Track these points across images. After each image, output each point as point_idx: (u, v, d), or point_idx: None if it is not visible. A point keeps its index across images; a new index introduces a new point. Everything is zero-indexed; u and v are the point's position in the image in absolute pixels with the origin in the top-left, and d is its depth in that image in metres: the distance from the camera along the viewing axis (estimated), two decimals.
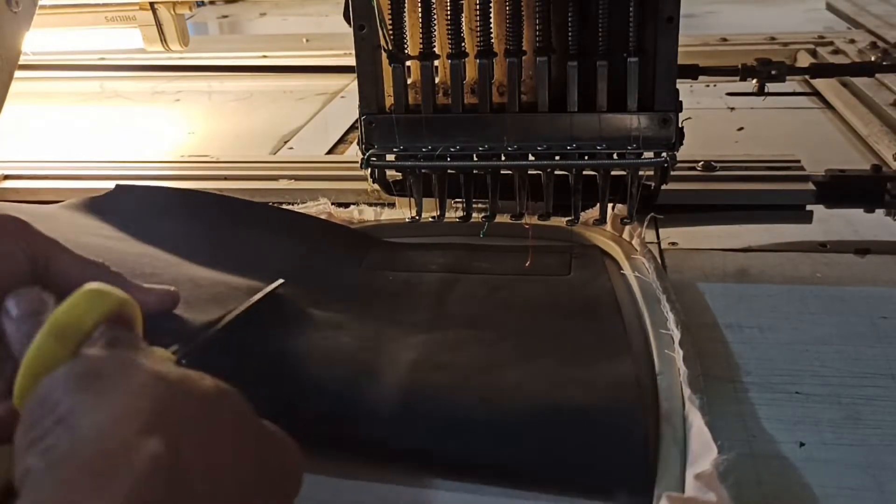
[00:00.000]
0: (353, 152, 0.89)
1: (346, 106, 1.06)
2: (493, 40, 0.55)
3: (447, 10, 0.55)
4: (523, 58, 0.55)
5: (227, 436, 0.26)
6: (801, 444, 0.43)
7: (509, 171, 0.58)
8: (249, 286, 0.51)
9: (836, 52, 1.14)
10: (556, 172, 0.58)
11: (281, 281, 0.51)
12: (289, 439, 0.29)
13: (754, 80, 0.65)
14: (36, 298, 0.31)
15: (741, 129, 0.92)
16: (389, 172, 0.60)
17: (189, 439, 0.24)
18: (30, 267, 0.34)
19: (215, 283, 0.51)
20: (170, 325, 0.40)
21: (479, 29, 0.55)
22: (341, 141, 0.95)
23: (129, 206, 0.64)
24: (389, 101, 0.58)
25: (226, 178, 0.80)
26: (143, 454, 0.23)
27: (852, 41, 1.19)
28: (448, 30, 0.55)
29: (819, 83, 1.03)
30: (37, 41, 0.91)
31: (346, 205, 0.70)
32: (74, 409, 0.24)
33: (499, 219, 0.60)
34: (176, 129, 1.04)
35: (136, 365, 0.26)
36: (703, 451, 0.39)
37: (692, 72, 0.60)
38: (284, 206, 0.69)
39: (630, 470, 0.39)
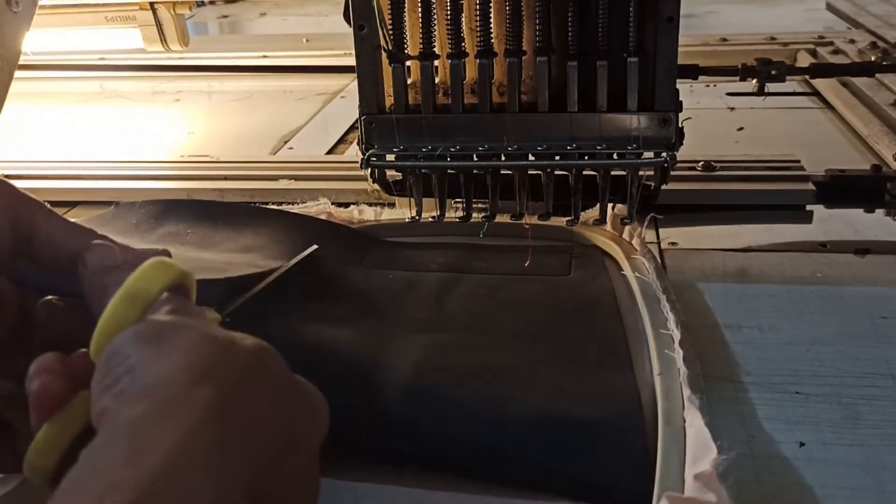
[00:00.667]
0: (353, 152, 0.89)
1: (346, 106, 1.06)
2: (493, 40, 0.55)
3: (447, 10, 0.55)
4: (523, 58, 0.55)
5: (266, 389, 0.30)
6: (801, 444, 0.43)
7: (509, 171, 0.58)
8: (252, 264, 0.51)
9: (836, 52, 1.14)
10: (556, 172, 0.58)
11: (315, 247, 0.52)
12: (317, 392, 0.32)
13: (754, 80, 0.65)
14: (108, 253, 0.35)
15: (741, 129, 0.92)
16: (389, 172, 0.60)
17: (235, 391, 0.28)
18: (11, 229, 0.34)
19: (219, 262, 0.52)
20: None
21: (479, 29, 0.55)
22: (341, 141, 0.95)
23: (127, 218, 0.65)
24: (389, 101, 0.58)
25: (226, 178, 0.80)
26: (198, 399, 0.27)
27: (852, 41, 1.19)
28: (448, 30, 0.55)
29: (819, 83, 1.03)
30: (37, 41, 0.91)
31: (346, 205, 0.70)
32: (141, 361, 0.29)
33: (499, 219, 0.60)
34: (176, 129, 1.04)
35: (189, 326, 0.30)
36: (702, 452, 0.39)
37: (692, 72, 0.60)
38: (284, 207, 0.69)
39: (629, 483, 0.39)
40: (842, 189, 0.72)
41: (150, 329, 0.30)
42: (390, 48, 0.55)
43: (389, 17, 0.55)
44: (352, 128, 0.97)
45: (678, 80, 0.55)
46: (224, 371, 0.29)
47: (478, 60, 0.55)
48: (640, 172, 0.57)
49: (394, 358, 0.48)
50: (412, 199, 0.60)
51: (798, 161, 0.75)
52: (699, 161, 0.75)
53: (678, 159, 0.56)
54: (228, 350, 0.30)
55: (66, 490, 0.25)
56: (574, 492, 0.39)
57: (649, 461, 0.40)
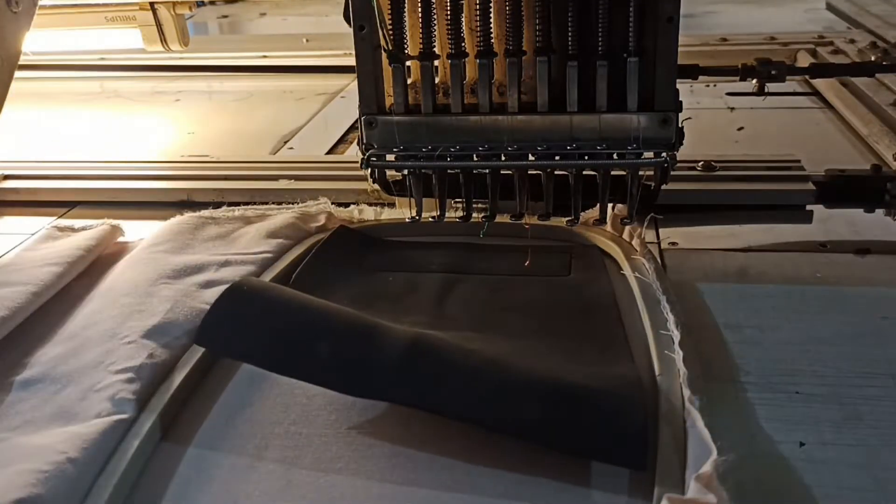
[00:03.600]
0: (353, 152, 0.89)
1: (346, 106, 1.06)
2: (493, 40, 0.55)
3: (447, 11, 0.55)
4: (523, 58, 0.55)
5: None
6: (802, 444, 0.43)
7: (509, 171, 0.58)
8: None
9: (836, 52, 1.14)
10: (556, 172, 0.58)
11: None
12: None
13: (754, 80, 0.65)
14: None
15: (741, 129, 0.92)
16: (389, 172, 0.60)
17: None
18: None
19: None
20: None
21: (479, 29, 0.55)
22: (341, 141, 0.95)
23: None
24: (389, 101, 0.58)
25: (226, 178, 0.80)
26: None
27: (852, 41, 1.19)
28: (448, 30, 0.55)
29: (819, 83, 1.03)
30: (37, 41, 0.91)
31: (346, 205, 0.70)
32: None
33: (499, 219, 0.60)
34: (176, 129, 1.04)
35: None
36: (702, 452, 0.39)
37: (692, 72, 0.60)
38: (284, 206, 0.69)
39: (629, 441, 0.41)
40: (842, 189, 0.72)
41: None
42: (390, 48, 0.55)
43: (389, 17, 0.55)
44: (352, 128, 0.97)
45: (678, 80, 0.55)
46: None
47: (478, 60, 0.55)
48: (640, 172, 0.57)
49: (393, 337, 0.48)
50: (412, 199, 0.60)
51: (798, 161, 0.75)
52: (699, 161, 0.74)
53: (678, 159, 0.56)
54: None
55: None
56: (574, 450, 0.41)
57: (647, 426, 0.41)
